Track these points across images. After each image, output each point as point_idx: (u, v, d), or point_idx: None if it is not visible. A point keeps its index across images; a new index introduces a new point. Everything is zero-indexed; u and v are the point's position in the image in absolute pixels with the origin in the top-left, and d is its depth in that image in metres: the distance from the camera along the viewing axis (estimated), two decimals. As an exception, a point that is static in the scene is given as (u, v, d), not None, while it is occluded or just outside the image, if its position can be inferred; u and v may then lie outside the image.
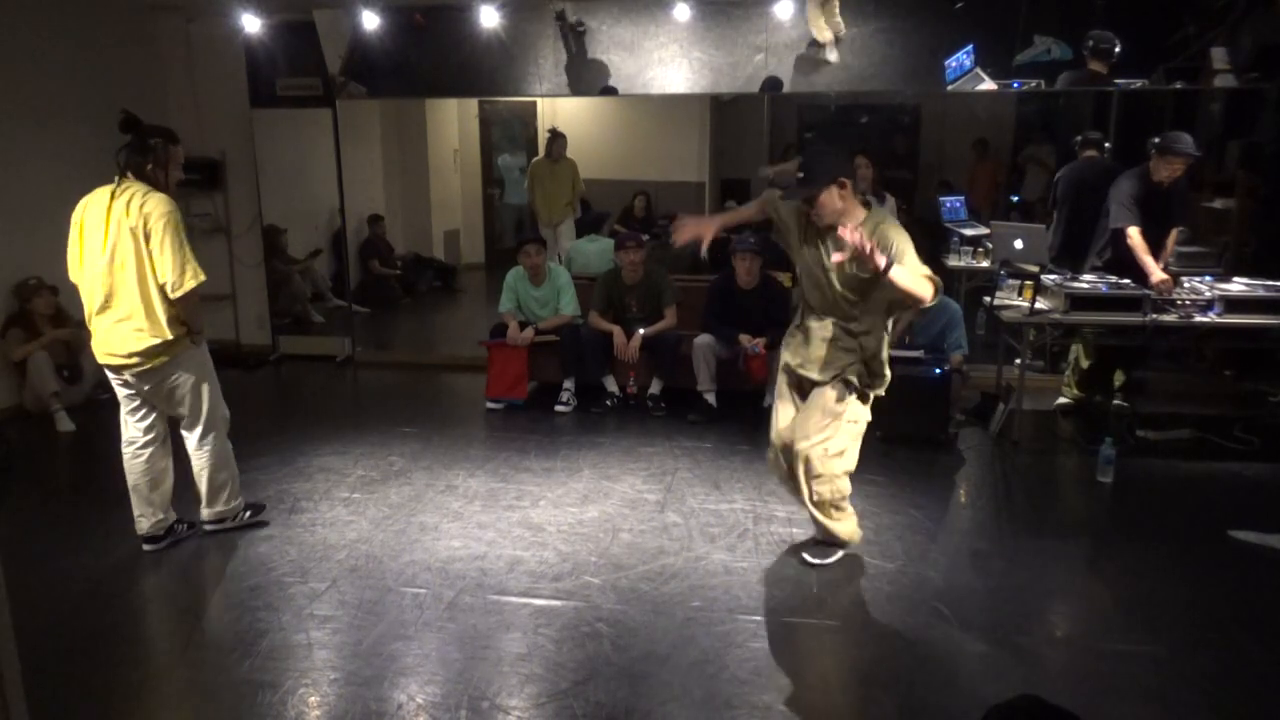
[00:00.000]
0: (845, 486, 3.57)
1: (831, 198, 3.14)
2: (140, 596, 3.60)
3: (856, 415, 3.47)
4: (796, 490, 3.56)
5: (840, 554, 3.71)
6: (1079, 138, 5.88)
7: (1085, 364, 5.52)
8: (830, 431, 3.42)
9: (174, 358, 3.68)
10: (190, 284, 3.57)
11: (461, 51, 6.55)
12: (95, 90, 6.32)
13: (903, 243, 3.15)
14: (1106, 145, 5.86)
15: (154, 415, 3.83)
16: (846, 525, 3.66)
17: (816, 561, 3.67)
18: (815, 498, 3.52)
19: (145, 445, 3.81)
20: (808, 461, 3.42)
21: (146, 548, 3.86)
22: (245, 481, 4.54)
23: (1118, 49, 5.48)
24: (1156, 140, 5.01)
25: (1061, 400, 5.65)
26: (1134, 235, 5.01)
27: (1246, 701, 2.84)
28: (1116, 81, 5.72)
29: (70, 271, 3.71)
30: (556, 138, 7.71)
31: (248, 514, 4.10)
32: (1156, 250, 5.11)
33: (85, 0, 6.27)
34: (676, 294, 5.81)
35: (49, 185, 6.00)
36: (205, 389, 3.82)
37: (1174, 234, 5.21)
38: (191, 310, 3.66)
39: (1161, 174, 4.99)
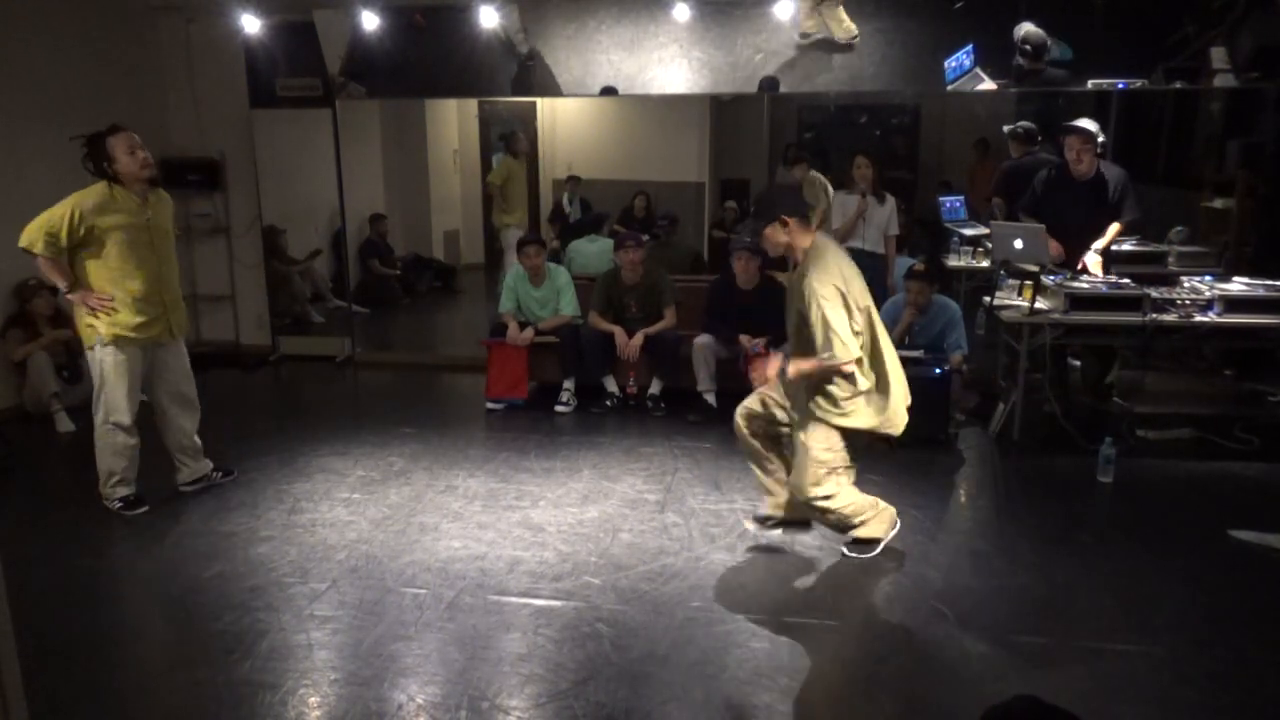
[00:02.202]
0: (850, 509, 3.62)
1: (775, 232, 3.47)
2: (140, 597, 3.60)
3: (827, 445, 3.50)
4: (754, 458, 3.83)
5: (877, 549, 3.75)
6: (1008, 128, 5.92)
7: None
8: (822, 482, 3.53)
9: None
10: (21, 243, 4.01)
11: (461, 51, 6.55)
12: (95, 91, 6.32)
13: (820, 294, 3.32)
14: (1040, 139, 5.91)
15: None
16: (870, 529, 3.71)
17: (854, 555, 3.75)
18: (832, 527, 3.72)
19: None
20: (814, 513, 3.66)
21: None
22: (245, 481, 4.60)
23: (1048, 45, 5.54)
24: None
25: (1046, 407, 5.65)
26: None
27: (1246, 701, 2.83)
28: (1070, 78, 5.72)
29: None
30: (516, 135, 7.83)
31: (118, 504, 4.27)
32: (1087, 242, 5.15)
33: (85, 1, 6.27)
34: (676, 294, 5.81)
35: (49, 186, 5.98)
36: (97, 379, 4.15)
37: (1113, 229, 5.20)
38: (47, 272, 4.11)
39: (1069, 157, 5.06)
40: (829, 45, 6.22)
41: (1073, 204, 5.13)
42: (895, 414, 3.52)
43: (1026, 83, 5.76)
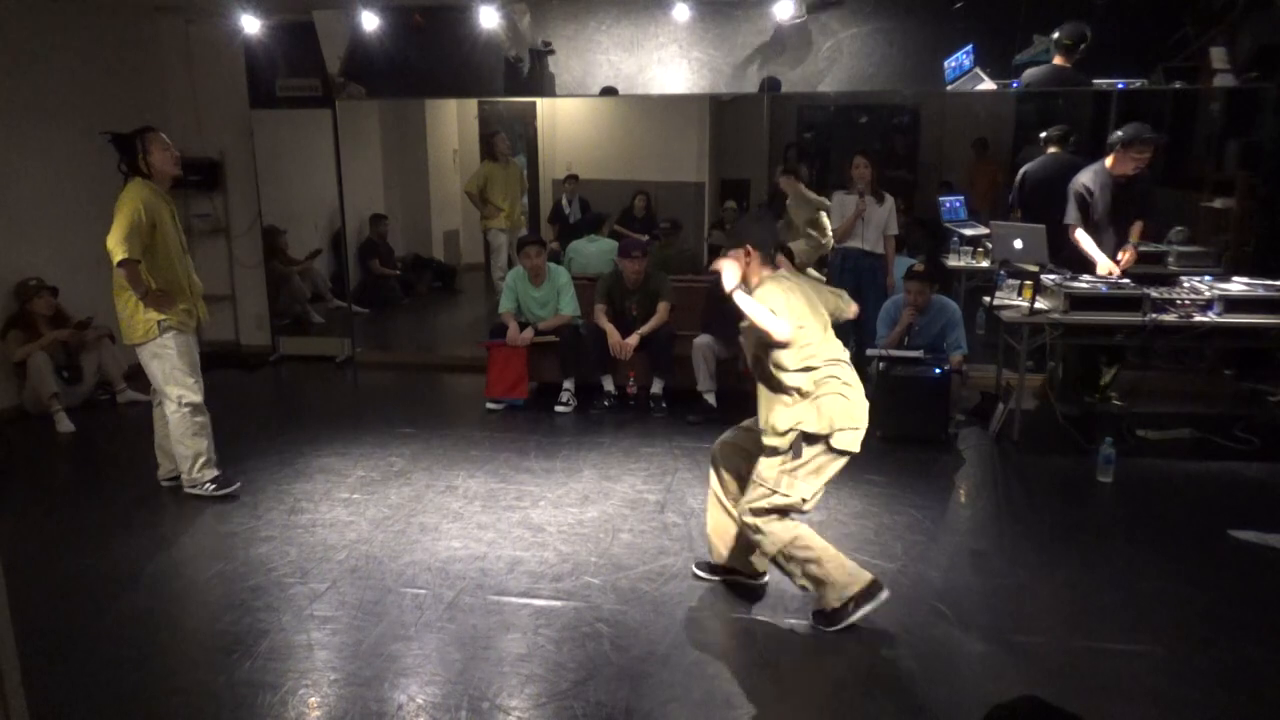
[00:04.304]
0: (786, 535, 3.16)
1: (737, 258, 3.21)
2: (140, 597, 3.59)
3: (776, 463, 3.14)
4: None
5: (851, 615, 3.18)
6: (1044, 134, 5.91)
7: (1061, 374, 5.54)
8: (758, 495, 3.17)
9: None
10: (120, 256, 4.03)
11: (461, 52, 6.56)
12: (96, 92, 6.33)
13: (775, 297, 3.04)
14: (1072, 138, 5.89)
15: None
16: (833, 591, 3.17)
17: (825, 628, 3.23)
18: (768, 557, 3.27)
19: (158, 404, 4.43)
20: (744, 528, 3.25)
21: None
22: (245, 482, 4.58)
23: (1083, 44, 5.48)
24: (1118, 134, 5.06)
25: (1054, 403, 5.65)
26: (1076, 234, 5.16)
27: (1246, 701, 2.83)
28: (1083, 78, 5.71)
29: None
30: (498, 137, 7.82)
31: (210, 486, 4.38)
32: (1121, 244, 5.18)
33: (85, 2, 6.27)
34: (672, 294, 5.79)
35: (49, 187, 6.01)
36: (161, 370, 4.27)
37: (1138, 227, 5.25)
38: (132, 283, 4.11)
39: (1127, 167, 5.06)
40: (830, 45, 6.21)
41: (1117, 210, 5.16)
42: (849, 424, 3.09)
43: (1056, 81, 5.72)
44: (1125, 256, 5.19)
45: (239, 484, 4.43)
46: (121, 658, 3.12)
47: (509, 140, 8.08)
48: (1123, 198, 5.14)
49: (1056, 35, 5.52)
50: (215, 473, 4.39)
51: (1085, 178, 5.19)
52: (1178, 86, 5.91)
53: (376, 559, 3.77)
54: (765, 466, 3.16)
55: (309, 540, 3.95)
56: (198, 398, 4.32)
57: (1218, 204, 6.49)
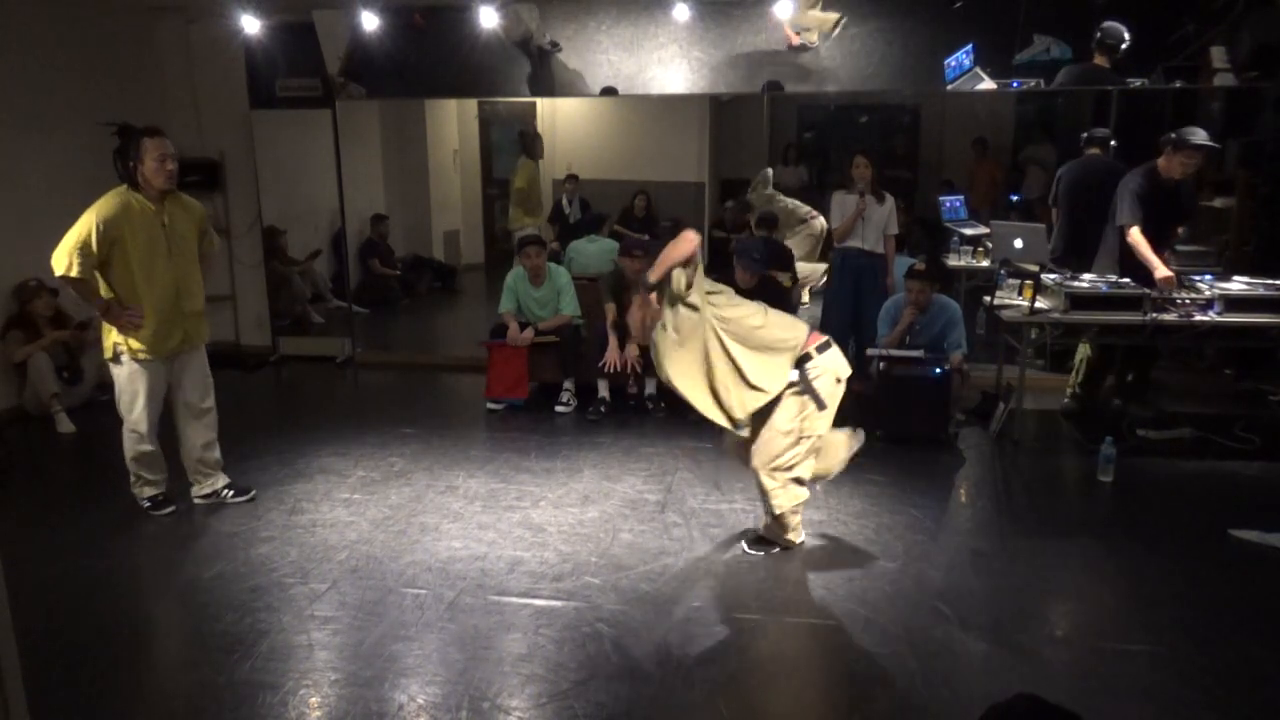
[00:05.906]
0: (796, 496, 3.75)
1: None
2: (141, 597, 3.60)
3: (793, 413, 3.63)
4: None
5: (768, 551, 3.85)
6: (1085, 135, 5.88)
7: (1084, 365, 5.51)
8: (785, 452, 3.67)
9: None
10: (58, 271, 3.88)
11: (461, 52, 6.56)
12: (95, 92, 6.32)
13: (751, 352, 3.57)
14: (1113, 144, 5.87)
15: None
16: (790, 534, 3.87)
17: (753, 552, 3.85)
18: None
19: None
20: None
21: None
22: (246, 482, 4.57)
23: (1124, 45, 5.47)
24: (1172, 135, 4.98)
25: (1065, 402, 5.64)
26: (1134, 234, 5.00)
27: (1246, 701, 2.83)
28: (1117, 78, 5.71)
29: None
30: (537, 137, 7.87)
31: (145, 504, 4.28)
32: (1164, 248, 5.12)
33: (85, 2, 6.27)
34: None
35: (49, 187, 6.00)
36: (117, 389, 4.15)
37: (1178, 233, 5.23)
38: (83, 298, 4.05)
39: (1175, 170, 4.98)
40: (830, 45, 6.21)
41: (1164, 213, 5.08)
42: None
43: (1082, 77, 5.69)
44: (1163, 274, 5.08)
45: (173, 508, 4.27)
46: (122, 658, 3.13)
47: (526, 141, 8.10)
48: (1170, 202, 5.04)
49: (1099, 35, 5.49)
50: (153, 492, 4.26)
51: (1139, 178, 5.05)
52: (1178, 86, 5.91)
53: (377, 559, 3.77)
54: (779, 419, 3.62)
55: (309, 540, 3.95)
56: (142, 428, 4.11)
57: (1218, 204, 6.50)
